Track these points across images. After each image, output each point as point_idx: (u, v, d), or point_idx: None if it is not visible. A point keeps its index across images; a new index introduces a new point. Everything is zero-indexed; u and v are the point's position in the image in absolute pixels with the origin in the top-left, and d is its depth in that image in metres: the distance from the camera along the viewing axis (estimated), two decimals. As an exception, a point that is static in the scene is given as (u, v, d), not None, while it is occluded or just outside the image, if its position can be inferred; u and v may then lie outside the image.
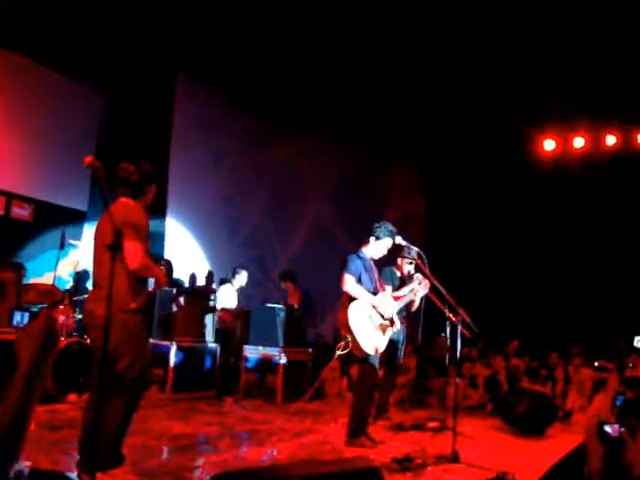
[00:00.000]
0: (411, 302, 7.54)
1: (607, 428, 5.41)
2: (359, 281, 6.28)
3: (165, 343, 8.63)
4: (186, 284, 9.70)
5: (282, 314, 9.13)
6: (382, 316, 6.35)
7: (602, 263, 12.00)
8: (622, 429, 5.46)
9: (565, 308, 11.78)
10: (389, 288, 6.77)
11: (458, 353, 6.09)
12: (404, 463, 5.34)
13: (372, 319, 6.28)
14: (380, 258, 6.73)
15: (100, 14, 8.85)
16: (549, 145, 12.72)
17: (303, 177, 12.90)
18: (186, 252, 10.49)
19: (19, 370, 3.69)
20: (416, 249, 6.91)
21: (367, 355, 6.20)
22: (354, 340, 6.09)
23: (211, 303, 9.37)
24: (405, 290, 7.44)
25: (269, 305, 9.39)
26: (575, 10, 8.97)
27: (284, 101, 11.42)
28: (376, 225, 6.56)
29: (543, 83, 10.48)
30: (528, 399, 7.49)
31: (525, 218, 12.82)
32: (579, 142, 12.36)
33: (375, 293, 6.38)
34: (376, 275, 6.56)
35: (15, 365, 3.59)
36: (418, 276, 7.36)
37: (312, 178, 13.00)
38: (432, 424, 7.28)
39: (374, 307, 6.31)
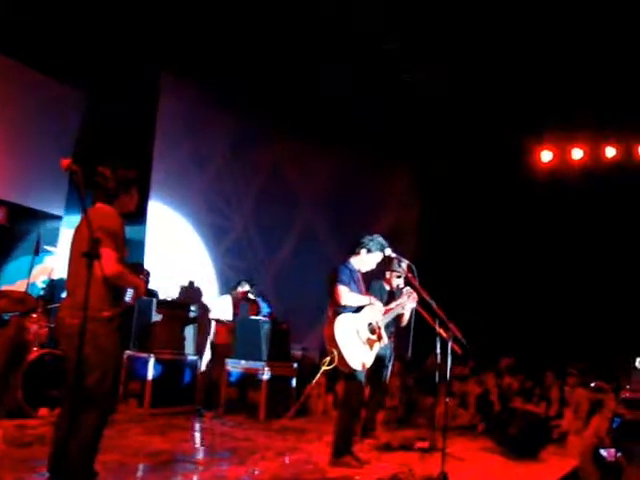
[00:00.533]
0: (400, 316, 7.36)
1: (603, 452, 5.22)
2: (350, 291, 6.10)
3: (143, 355, 8.35)
4: (161, 294, 9.43)
5: (266, 327, 8.89)
6: (372, 330, 6.15)
7: (601, 279, 11.83)
8: (618, 454, 5.26)
9: (561, 325, 11.60)
10: (378, 303, 6.58)
11: (449, 370, 5.87)
12: (391, 485, 5.11)
13: (359, 334, 6.08)
14: (368, 272, 6.57)
15: (81, 12, 8.69)
16: (546, 156, 12.59)
17: (292, 184, 12.71)
18: (167, 261, 10.23)
19: None
20: (406, 262, 6.72)
21: (353, 371, 5.99)
22: (340, 355, 5.87)
23: (191, 314, 9.10)
24: (394, 304, 7.26)
25: (253, 317, 9.15)
26: (574, 20, 8.91)
27: (272, 105, 11.27)
28: (368, 238, 6.41)
29: (541, 93, 10.41)
30: (520, 420, 7.29)
31: (521, 231, 12.66)
32: (577, 153, 12.24)
33: (364, 306, 6.18)
34: (363, 288, 6.38)
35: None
36: (408, 290, 7.18)
37: (301, 185, 12.82)
38: (421, 444, 7.07)
39: (368, 317, 6.13)
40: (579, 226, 12.05)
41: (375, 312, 6.27)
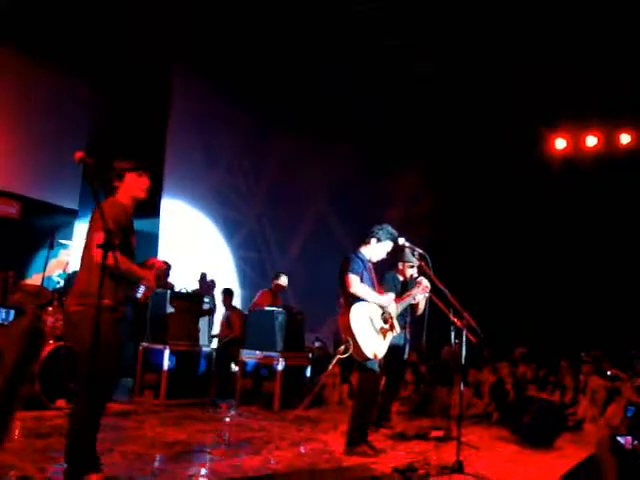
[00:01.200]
0: (415, 306, 7.37)
1: (620, 440, 5.19)
2: (362, 282, 6.08)
3: (159, 347, 8.38)
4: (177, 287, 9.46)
5: (280, 317, 8.90)
6: (385, 319, 6.14)
7: (616, 267, 11.74)
8: (635, 442, 5.23)
9: (575, 313, 11.54)
10: (392, 294, 6.57)
11: (463, 359, 5.86)
12: (406, 473, 5.14)
13: (373, 322, 6.08)
14: (381, 262, 6.55)
15: (93, 7, 8.69)
16: (560, 144, 12.48)
17: (303, 177, 12.69)
18: (181, 253, 10.25)
19: (1, 372, 3.47)
20: (419, 251, 6.70)
21: (367, 359, 5.98)
22: (355, 343, 5.88)
23: (205, 306, 9.11)
24: (410, 299, 7.26)
25: (267, 308, 9.16)
26: (588, 8, 8.83)
27: (283, 99, 11.25)
28: (378, 227, 6.39)
29: (554, 80, 10.32)
30: (535, 408, 7.26)
31: (535, 220, 12.57)
32: (591, 141, 12.12)
33: None
34: (375, 277, 6.35)
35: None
36: (422, 279, 7.17)
37: (312, 178, 12.80)
38: (436, 433, 7.06)
39: (381, 307, 6.14)
40: (594, 214, 11.96)
41: (390, 299, 6.28)
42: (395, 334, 6.31)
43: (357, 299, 6.01)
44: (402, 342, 7.42)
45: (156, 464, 5.31)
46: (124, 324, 8.00)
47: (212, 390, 8.87)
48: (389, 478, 5.01)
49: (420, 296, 6.81)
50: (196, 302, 9.01)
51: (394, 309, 6.31)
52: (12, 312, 6.66)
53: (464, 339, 5.86)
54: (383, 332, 6.15)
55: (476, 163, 12.84)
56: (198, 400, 8.51)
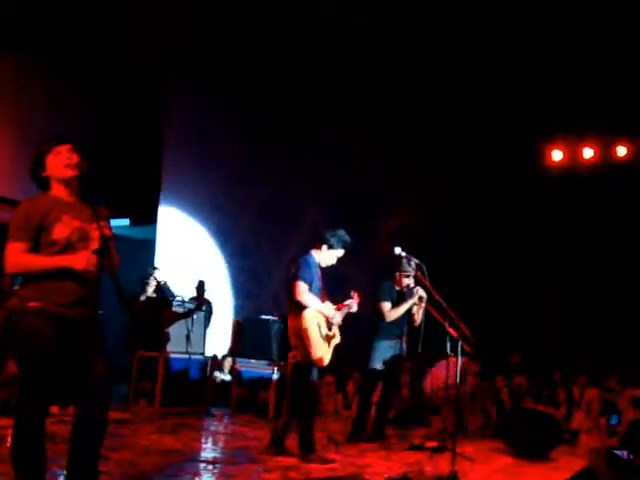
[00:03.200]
0: (413, 316, 7.38)
1: (617, 452, 5.18)
2: (310, 287, 6.01)
3: (153, 355, 8.36)
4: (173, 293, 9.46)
5: (276, 326, 8.89)
6: (329, 327, 6.12)
7: (612, 278, 11.74)
8: (631, 456, 5.21)
9: (571, 324, 11.53)
10: (329, 304, 6.50)
11: (459, 370, 5.85)
12: (401, 484, 5.09)
13: (320, 329, 6.04)
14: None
15: (92, 14, 8.72)
16: (557, 156, 12.47)
17: (298, 185, 12.69)
18: (177, 261, 10.25)
19: None
20: (416, 260, 6.71)
21: (312, 363, 5.98)
22: (305, 347, 5.87)
23: (201, 313, 9.10)
24: (405, 306, 7.26)
25: (263, 317, 9.15)
26: (584, 18, 8.87)
27: (279, 109, 11.27)
28: (330, 232, 6.28)
29: (550, 92, 10.35)
30: (530, 420, 7.25)
31: (532, 231, 12.57)
32: (588, 153, 12.10)
33: None
34: (322, 284, 6.27)
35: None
36: (418, 289, 7.18)
37: (308, 186, 12.80)
38: (431, 444, 7.02)
39: (325, 316, 6.08)
40: (591, 225, 11.97)
41: (330, 309, 6.23)
42: (337, 342, 6.25)
43: (302, 306, 5.95)
44: (398, 353, 7.42)
45: (150, 472, 5.28)
46: (117, 332, 7.95)
47: (207, 398, 8.86)
48: (384, 488, 5.00)
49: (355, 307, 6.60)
50: (192, 309, 8.99)
51: (339, 318, 6.23)
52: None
53: (459, 349, 5.85)
54: (328, 339, 6.12)
55: (473, 176, 12.84)
56: (193, 408, 8.50)
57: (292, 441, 6.16)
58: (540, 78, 10.22)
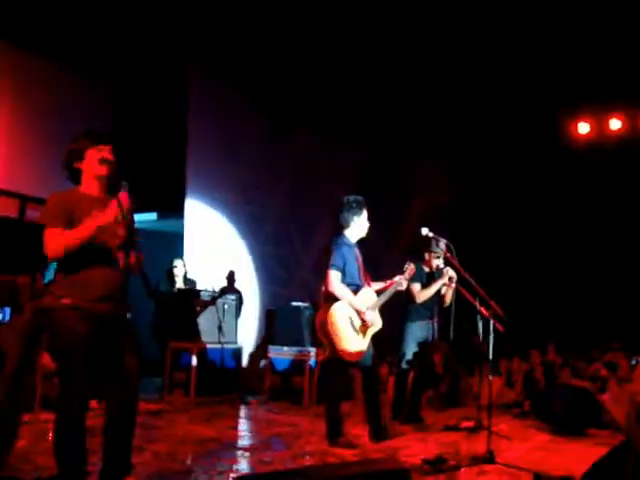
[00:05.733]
0: (443, 297, 7.35)
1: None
2: (343, 273, 5.93)
3: (187, 345, 8.44)
4: (200, 285, 9.51)
5: (308, 313, 8.90)
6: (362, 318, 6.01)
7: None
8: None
9: (603, 303, 11.37)
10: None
11: (491, 348, 5.81)
12: (436, 465, 5.08)
13: (353, 322, 5.94)
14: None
15: (107, 9, 8.75)
16: (584, 128, 12.23)
17: (325, 171, 12.66)
18: (206, 252, 10.30)
19: (6, 368, 3.47)
20: (444, 241, 6.67)
21: (344, 360, 5.92)
22: (333, 344, 5.79)
23: (232, 303, 9.14)
24: (435, 286, 7.22)
25: (294, 304, 9.17)
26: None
27: (302, 94, 11.24)
28: (343, 208, 6.19)
29: (576, 62, 10.18)
30: (566, 395, 7.19)
31: (561, 207, 12.40)
32: (615, 124, 11.82)
33: (359, 288, 6.06)
34: (361, 264, 6.19)
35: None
36: (448, 270, 7.14)
37: (334, 171, 12.76)
38: (466, 424, 7.00)
39: (357, 310, 5.98)
40: (620, 199, 11.78)
41: (368, 295, 6.11)
42: (377, 329, 6.15)
43: (334, 297, 5.88)
44: (430, 334, 7.39)
45: (187, 461, 5.34)
46: (145, 324, 7.98)
47: (241, 386, 8.92)
48: (419, 469, 4.99)
49: (404, 284, 6.58)
50: (223, 299, 9.04)
51: (372, 314, 6.08)
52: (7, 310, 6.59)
53: (491, 328, 5.82)
54: (363, 330, 6.00)
55: (497, 151, 12.70)
56: (228, 397, 8.57)
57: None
58: (562, 47, 10.03)
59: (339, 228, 6.22)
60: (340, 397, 6.26)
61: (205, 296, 8.73)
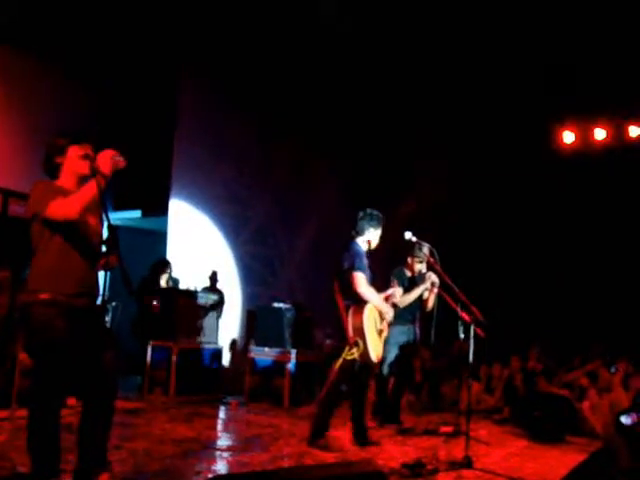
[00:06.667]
0: (425, 301, 7.35)
1: (624, 419, 5.14)
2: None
3: (167, 344, 8.40)
4: (183, 284, 9.49)
5: (289, 314, 8.90)
6: (382, 319, 6.12)
7: (627, 261, 11.61)
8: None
9: (585, 308, 11.41)
10: (400, 290, 6.55)
11: (471, 354, 5.83)
12: (415, 469, 5.10)
13: (376, 324, 6.06)
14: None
15: (99, 8, 8.73)
16: (569, 137, 12.27)
17: (313, 172, 12.65)
18: (189, 251, 10.27)
19: None
20: (427, 245, 6.70)
21: (369, 362, 5.97)
22: (365, 345, 5.83)
23: (212, 302, 9.13)
24: (417, 291, 7.23)
25: (276, 305, 9.15)
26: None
27: (290, 98, 11.24)
28: (364, 218, 6.29)
29: (561, 71, 10.24)
30: (545, 402, 7.24)
31: (545, 214, 12.45)
32: (600, 134, 11.86)
33: None
34: (371, 272, 6.25)
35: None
36: (430, 274, 7.15)
37: (323, 173, 12.75)
38: (445, 429, 7.03)
39: (379, 311, 6.08)
40: (605, 207, 11.83)
41: (381, 300, 6.22)
42: (386, 334, 6.28)
43: (361, 299, 5.95)
44: (411, 338, 7.41)
45: (165, 461, 5.30)
46: (126, 321, 7.91)
47: (221, 387, 8.91)
48: (397, 473, 5.00)
49: (424, 286, 6.70)
50: (205, 299, 9.02)
51: (391, 314, 6.26)
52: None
53: (472, 333, 5.83)
54: (380, 333, 6.14)
55: (485, 159, 12.74)
56: (207, 397, 8.55)
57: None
58: (549, 58, 10.10)
59: (353, 234, 6.29)
60: (343, 400, 6.32)
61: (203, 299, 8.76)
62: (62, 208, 3.70)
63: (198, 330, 8.74)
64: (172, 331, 8.45)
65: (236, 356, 10.19)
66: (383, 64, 11.03)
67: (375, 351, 5.97)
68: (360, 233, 6.27)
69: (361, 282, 5.91)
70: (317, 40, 10.40)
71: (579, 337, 10.50)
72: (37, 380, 3.85)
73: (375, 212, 6.34)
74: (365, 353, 5.85)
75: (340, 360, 5.85)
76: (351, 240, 6.24)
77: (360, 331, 5.84)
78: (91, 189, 3.70)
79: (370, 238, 6.28)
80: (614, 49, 9.61)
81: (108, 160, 3.75)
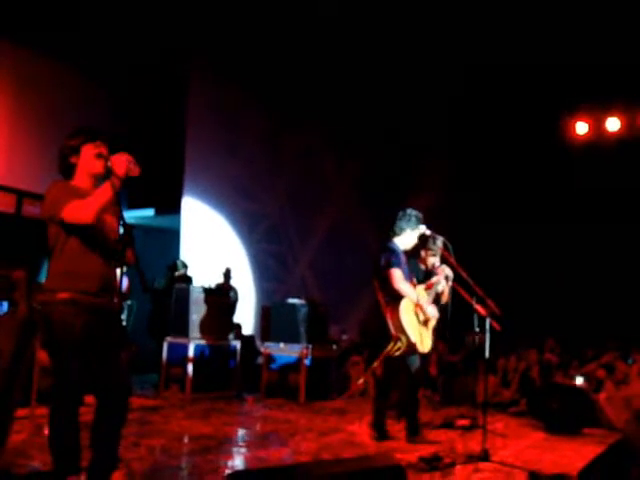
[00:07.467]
0: (441, 295, 7.31)
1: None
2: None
3: (183, 341, 8.43)
4: (197, 281, 9.51)
5: (304, 310, 8.91)
6: (424, 312, 6.18)
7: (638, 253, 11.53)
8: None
9: (599, 302, 11.35)
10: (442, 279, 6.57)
11: (487, 347, 5.82)
12: (432, 462, 5.09)
13: (418, 316, 6.12)
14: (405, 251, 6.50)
15: (109, 6, 8.75)
16: (582, 128, 12.14)
17: (325, 167, 12.64)
18: (202, 249, 10.29)
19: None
20: (442, 238, 6.66)
21: (416, 353, 6.04)
22: (408, 339, 5.90)
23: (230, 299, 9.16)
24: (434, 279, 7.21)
25: (290, 301, 9.16)
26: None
27: (302, 91, 11.22)
28: (406, 215, 6.34)
29: (574, 62, 10.16)
30: (562, 395, 7.20)
31: (559, 207, 12.37)
32: (613, 124, 11.72)
33: None
34: (408, 270, 6.32)
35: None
36: (444, 268, 7.11)
37: (335, 168, 12.74)
38: (462, 422, 7.02)
39: (419, 305, 6.14)
40: (618, 199, 11.75)
41: (420, 292, 6.28)
42: (434, 321, 6.32)
43: (398, 295, 6.01)
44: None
45: (182, 457, 5.34)
46: (141, 320, 7.92)
47: (237, 383, 8.93)
48: (415, 467, 4.99)
49: (443, 283, 6.74)
50: (219, 296, 9.04)
51: (433, 310, 6.31)
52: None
53: (488, 327, 5.82)
54: (426, 323, 6.20)
55: (497, 152, 12.68)
56: (224, 393, 8.57)
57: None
58: (561, 47, 10.01)
59: (390, 234, 6.35)
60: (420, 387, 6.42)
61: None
62: (77, 212, 3.67)
63: (213, 327, 8.76)
64: (187, 328, 8.48)
65: (251, 352, 10.20)
66: (394, 57, 10.99)
67: (422, 342, 6.04)
68: (398, 233, 6.32)
69: (397, 278, 5.99)
70: (327, 36, 10.37)
71: (594, 330, 10.45)
72: (57, 378, 3.86)
73: (414, 213, 6.37)
74: (411, 346, 5.92)
75: (385, 356, 5.92)
76: (388, 239, 6.30)
77: (400, 327, 5.92)
78: (106, 192, 3.66)
79: (407, 238, 6.34)
80: (626, 38, 9.52)
81: (123, 162, 3.71)
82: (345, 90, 11.47)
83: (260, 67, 10.72)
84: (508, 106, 11.78)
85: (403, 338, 5.89)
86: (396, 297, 6.01)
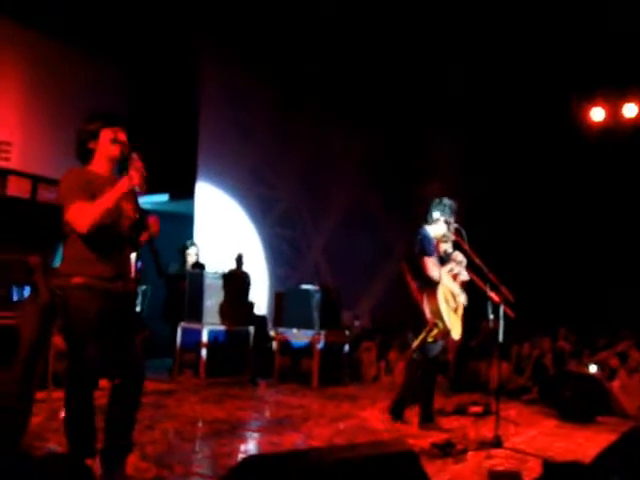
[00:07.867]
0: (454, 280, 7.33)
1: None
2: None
3: (197, 327, 8.48)
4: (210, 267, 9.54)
5: (317, 296, 8.94)
6: (454, 297, 6.25)
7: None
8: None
9: (614, 290, 11.28)
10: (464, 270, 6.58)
11: (501, 334, 5.81)
12: (445, 448, 5.11)
13: (449, 303, 6.17)
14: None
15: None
16: (598, 114, 11.99)
17: (338, 151, 12.60)
18: (216, 234, 10.32)
19: (20, 349, 3.48)
20: (455, 225, 6.63)
21: (446, 341, 6.16)
22: (444, 325, 5.95)
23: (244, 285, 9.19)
24: (445, 269, 7.20)
25: (303, 286, 9.19)
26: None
27: (313, 73, 11.17)
28: (437, 205, 6.32)
29: (590, 46, 10.05)
30: (575, 382, 7.19)
31: (573, 195, 12.28)
32: (630, 110, 11.56)
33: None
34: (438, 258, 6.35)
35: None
36: (457, 254, 7.10)
37: (347, 152, 12.69)
38: (475, 409, 7.03)
39: (451, 292, 6.21)
40: (634, 187, 11.64)
41: (449, 278, 6.32)
42: (461, 312, 6.37)
43: (432, 282, 6.04)
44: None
45: (196, 441, 5.38)
46: (155, 305, 7.95)
47: (251, 368, 8.97)
48: (427, 453, 5.01)
49: (465, 274, 6.74)
50: (233, 281, 9.07)
51: (463, 296, 6.41)
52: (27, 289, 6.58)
53: (502, 314, 5.81)
54: (456, 311, 6.26)
55: (510, 138, 12.57)
56: (237, 378, 8.63)
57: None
58: (576, 31, 9.89)
59: (422, 221, 6.36)
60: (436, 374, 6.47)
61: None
62: (78, 217, 3.70)
63: (227, 312, 8.79)
64: (201, 314, 8.52)
65: (264, 337, 10.25)
66: (403, 40, 10.90)
67: (455, 329, 6.12)
68: (430, 221, 6.32)
69: (431, 266, 6.02)
70: (339, 21, 10.31)
71: (608, 318, 10.40)
72: (72, 362, 3.90)
73: (449, 202, 6.36)
74: (446, 332, 5.99)
75: (419, 342, 5.94)
76: (420, 226, 6.29)
77: (437, 312, 5.96)
78: (111, 198, 3.72)
79: (439, 226, 6.32)
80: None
81: (137, 174, 3.79)
82: (357, 72, 11.39)
83: (272, 53, 10.68)
84: (522, 92, 11.67)
85: (440, 324, 5.93)
86: (430, 283, 6.04)
